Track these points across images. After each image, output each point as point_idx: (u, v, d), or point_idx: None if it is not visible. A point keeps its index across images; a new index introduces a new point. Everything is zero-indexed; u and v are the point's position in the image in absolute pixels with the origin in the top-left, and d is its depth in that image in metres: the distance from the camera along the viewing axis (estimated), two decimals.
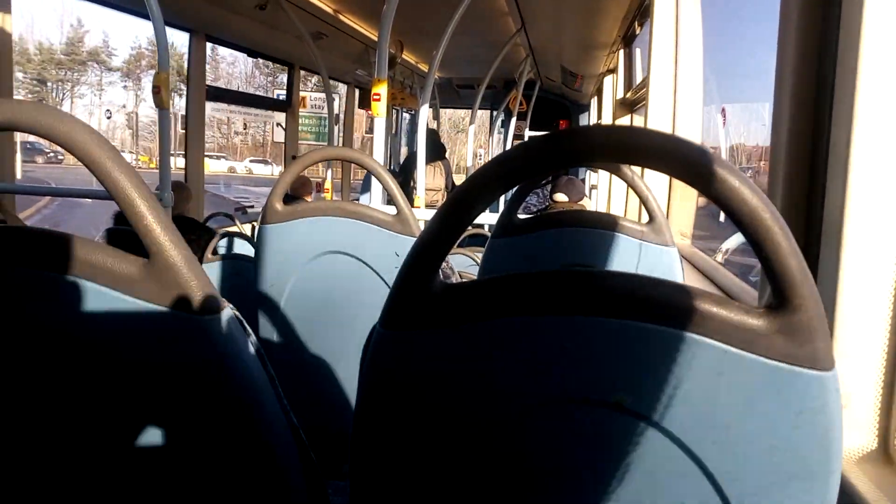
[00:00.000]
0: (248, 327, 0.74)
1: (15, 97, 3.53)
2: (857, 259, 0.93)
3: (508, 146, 8.74)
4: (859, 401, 0.93)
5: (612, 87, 6.06)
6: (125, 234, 2.87)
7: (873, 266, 0.92)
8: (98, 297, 0.69)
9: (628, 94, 5.23)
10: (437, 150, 6.46)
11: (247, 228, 4.57)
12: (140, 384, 0.71)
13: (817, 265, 1.00)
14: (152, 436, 0.73)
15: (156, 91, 3.11)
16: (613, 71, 5.95)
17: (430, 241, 0.63)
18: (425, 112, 4.08)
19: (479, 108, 7.28)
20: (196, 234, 3.54)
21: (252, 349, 0.73)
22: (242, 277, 2.83)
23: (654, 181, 2.97)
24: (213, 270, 2.87)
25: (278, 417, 0.75)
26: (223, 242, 3.18)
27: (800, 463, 0.59)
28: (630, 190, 4.64)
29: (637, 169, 1.74)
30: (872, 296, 0.92)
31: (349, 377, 1.75)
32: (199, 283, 0.69)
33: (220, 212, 4.48)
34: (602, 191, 6.41)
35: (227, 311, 0.71)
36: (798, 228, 1.10)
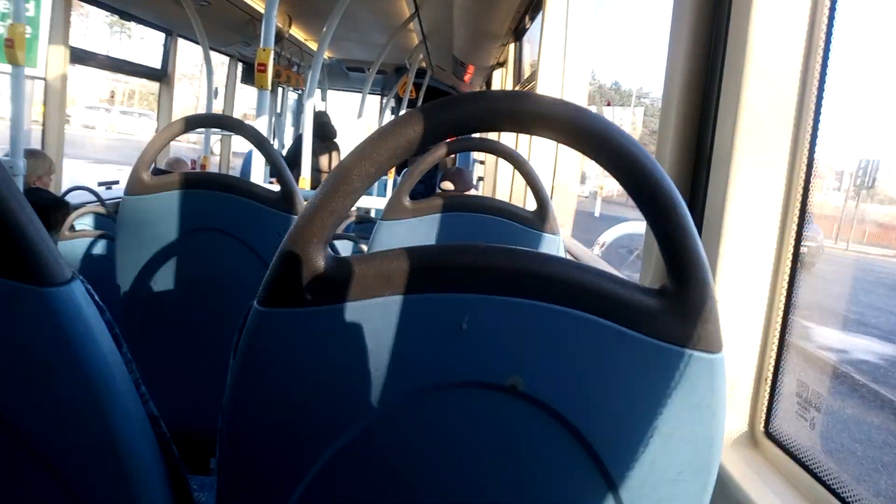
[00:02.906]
0: (100, 302, 0.65)
1: None
2: (736, 252, 0.97)
3: None
4: (735, 388, 0.97)
5: (502, 81, 6.16)
6: None
7: (750, 260, 0.97)
8: None
9: (517, 88, 5.34)
10: (326, 132, 6.29)
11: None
12: None
13: None
14: None
15: (8, 45, 2.78)
16: (503, 65, 6.05)
17: (319, 210, 0.57)
18: (314, 90, 3.94)
19: (370, 94, 7.16)
20: (51, 209, 3.22)
21: (105, 327, 0.64)
22: (104, 258, 2.59)
23: (539, 169, 3.03)
24: (68, 248, 2.61)
25: (134, 404, 0.66)
26: (86, 221, 2.90)
27: (685, 444, 0.59)
28: (515, 182, 4.74)
29: (525, 155, 1.75)
30: (748, 288, 0.96)
31: (220, 365, 1.62)
32: (42, 250, 0.59)
33: (81, 186, 4.11)
34: (488, 182, 6.51)
35: (76, 283, 0.62)
36: None
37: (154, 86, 5.99)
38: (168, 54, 5.86)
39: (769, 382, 0.97)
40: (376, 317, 0.58)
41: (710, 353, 0.58)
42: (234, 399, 0.61)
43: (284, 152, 6.77)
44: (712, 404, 0.59)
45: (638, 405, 0.58)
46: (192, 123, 1.56)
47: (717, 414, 0.59)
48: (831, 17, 1.03)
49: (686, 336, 0.57)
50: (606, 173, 0.57)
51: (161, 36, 5.83)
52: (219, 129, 5.24)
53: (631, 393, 0.58)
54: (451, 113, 0.55)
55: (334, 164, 6.33)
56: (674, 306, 0.57)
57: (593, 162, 0.57)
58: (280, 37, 6.18)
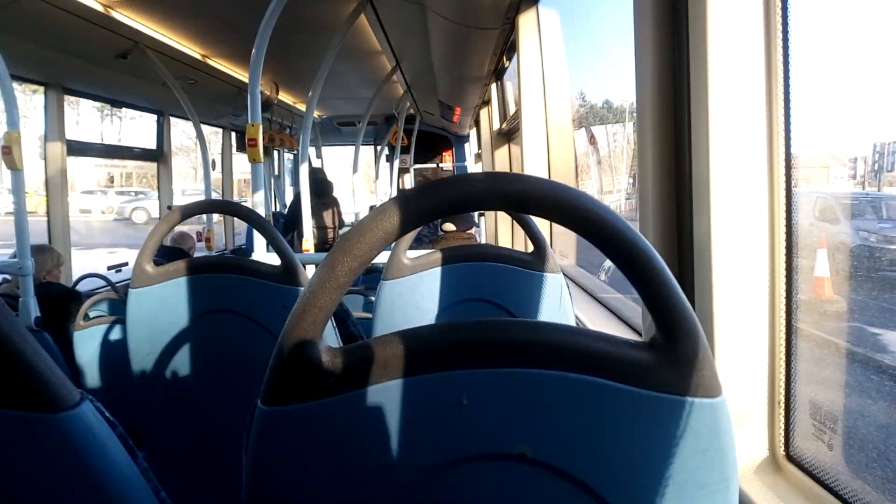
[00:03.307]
0: (110, 417, 0.67)
1: None
2: (730, 278, 0.98)
3: (394, 180, 8.78)
4: (750, 417, 0.97)
5: (489, 118, 6.25)
6: None
7: (745, 285, 0.97)
8: None
9: (503, 125, 5.41)
10: (323, 189, 6.37)
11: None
12: None
13: (693, 293, 1.04)
14: None
15: (6, 152, 2.86)
16: (488, 103, 6.14)
17: (309, 307, 0.59)
18: (306, 152, 4.01)
19: (363, 145, 7.27)
20: (63, 301, 3.26)
21: (118, 442, 0.66)
22: (121, 343, 2.62)
23: None
24: (84, 337, 2.64)
25: None
26: (103, 306, 2.94)
27: (701, 489, 0.60)
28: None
29: None
30: (747, 311, 0.97)
31: (241, 446, 1.62)
32: (48, 377, 0.61)
33: (93, 273, 4.16)
34: (489, 218, 6.55)
35: (85, 405, 0.63)
36: (671, 258, 1.15)
37: (150, 165, 6.11)
38: (162, 134, 5.99)
39: (783, 405, 0.97)
40: (378, 403, 0.59)
41: (710, 398, 0.58)
42: (249, 497, 0.62)
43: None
44: (721, 447, 0.59)
45: (648, 457, 0.59)
46: (189, 211, 1.60)
47: (728, 455, 0.60)
48: (785, 18, 1.06)
49: (683, 385, 0.58)
50: (612, 197, 0.59)
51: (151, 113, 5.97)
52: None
53: (639, 446, 0.59)
54: (427, 201, 0.57)
55: (335, 219, 6.40)
56: (666, 358, 0.58)
57: (595, 185, 0.59)
58: (269, 104, 6.31)
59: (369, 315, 2.50)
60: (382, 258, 3.20)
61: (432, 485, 0.61)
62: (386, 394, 0.59)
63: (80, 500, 0.62)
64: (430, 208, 0.57)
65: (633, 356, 0.59)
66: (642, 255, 0.57)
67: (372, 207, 5.50)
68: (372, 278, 3.90)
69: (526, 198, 0.57)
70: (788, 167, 1.07)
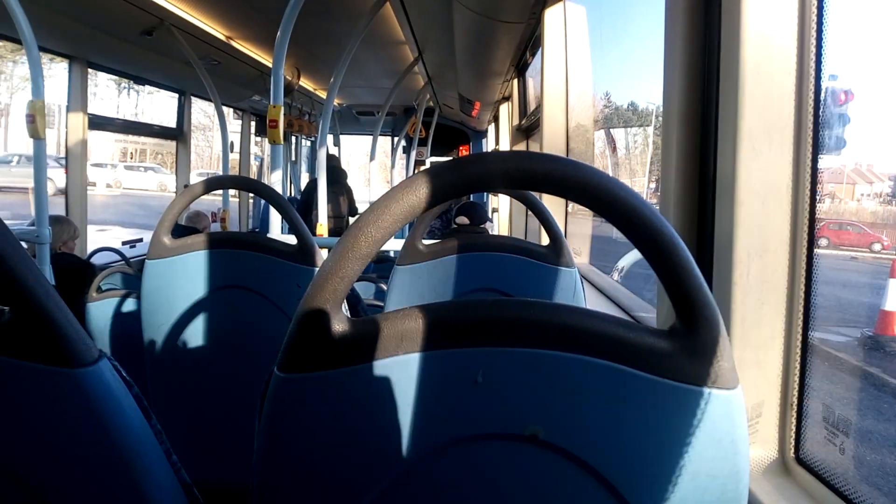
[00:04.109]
0: (127, 377, 0.67)
1: None
2: (749, 276, 0.97)
3: (410, 171, 8.78)
4: (761, 415, 0.96)
5: (509, 114, 6.23)
6: None
7: (765, 284, 0.97)
8: None
9: (523, 122, 5.40)
10: (337, 177, 6.38)
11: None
12: (6, 447, 0.62)
13: (711, 285, 1.03)
14: None
15: (30, 120, 2.88)
16: (509, 98, 6.12)
17: (330, 276, 0.59)
18: (325, 138, 4.02)
19: (381, 135, 7.28)
20: (78, 272, 3.29)
21: (133, 402, 0.66)
22: (133, 316, 2.64)
23: (552, 202, 3.05)
24: (98, 310, 2.66)
25: (167, 476, 0.68)
26: (116, 279, 2.96)
27: (712, 480, 0.59)
28: (530, 213, 4.76)
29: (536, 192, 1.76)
30: (765, 311, 0.96)
31: (249, 420, 1.63)
32: (69, 332, 0.62)
33: (107, 247, 4.20)
34: (503, 214, 6.54)
35: (103, 362, 0.64)
36: (691, 250, 1.14)
37: (164, 142, 6.14)
38: (182, 113, 6.02)
39: (795, 408, 0.97)
40: (392, 376, 0.59)
41: (727, 389, 0.58)
42: (261, 462, 0.62)
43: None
44: (735, 439, 0.59)
45: (661, 446, 0.59)
46: (211, 185, 1.61)
47: (741, 448, 0.59)
48: (820, 20, 1.05)
49: (701, 375, 0.57)
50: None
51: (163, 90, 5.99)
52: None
53: (652, 434, 0.59)
54: (453, 176, 0.57)
55: (347, 206, 6.41)
56: (685, 347, 0.57)
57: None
58: (290, 89, 6.33)
59: (380, 303, 2.51)
60: (395, 246, 3.21)
61: (442, 460, 0.61)
62: (401, 367, 0.59)
63: (95, 454, 0.63)
64: (457, 183, 0.57)
65: (651, 343, 0.58)
66: (667, 241, 0.56)
67: None
68: (382, 268, 3.91)
69: (553, 178, 0.57)
70: (815, 171, 1.06)
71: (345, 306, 0.62)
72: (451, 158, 0.60)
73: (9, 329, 0.61)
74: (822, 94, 1.08)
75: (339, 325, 0.59)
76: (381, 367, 0.59)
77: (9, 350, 0.61)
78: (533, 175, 0.57)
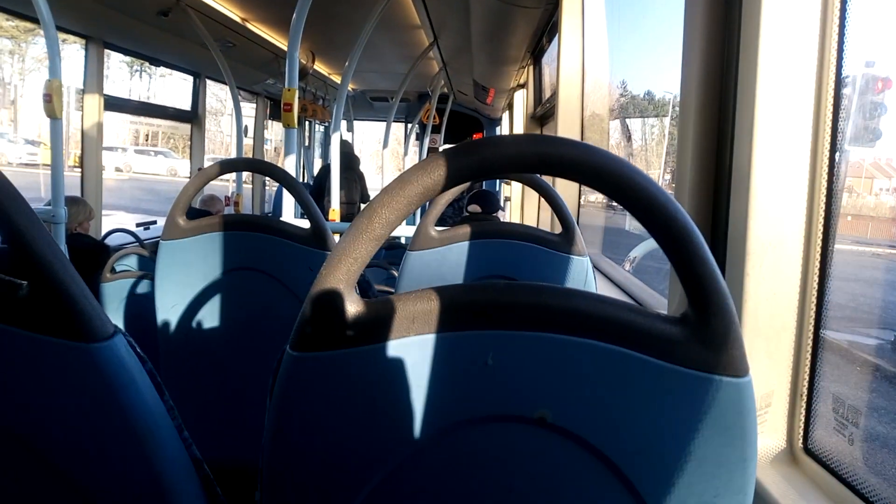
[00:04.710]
0: (141, 353, 0.68)
1: None
2: (763, 268, 0.97)
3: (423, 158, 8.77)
4: (770, 405, 0.96)
5: (524, 102, 6.20)
6: None
7: (778, 275, 0.96)
8: None
9: (538, 109, 5.37)
10: (349, 163, 6.39)
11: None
12: (19, 420, 0.64)
13: (724, 274, 1.03)
14: (34, 478, 0.66)
15: (47, 100, 2.91)
16: (524, 86, 6.09)
17: (344, 256, 0.59)
18: (339, 123, 4.02)
19: (394, 121, 7.27)
20: (92, 253, 3.33)
21: (147, 378, 0.67)
22: (145, 297, 2.67)
23: (564, 191, 3.04)
24: (111, 291, 2.69)
25: (178, 451, 0.69)
26: (130, 261, 2.99)
27: (719, 468, 0.59)
28: (542, 201, 4.75)
29: (549, 179, 1.76)
30: (778, 302, 0.96)
31: (260, 400, 1.65)
32: (86, 307, 0.63)
33: (121, 228, 4.24)
34: (515, 202, 6.53)
35: (118, 338, 0.65)
36: (705, 239, 1.14)
37: (176, 125, 6.16)
38: (197, 96, 6.04)
39: (805, 398, 0.96)
40: (403, 357, 0.60)
41: (736, 377, 0.58)
42: (272, 440, 0.63)
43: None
44: (744, 427, 0.59)
45: (669, 432, 0.59)
46: (225, 167, 1.62)
47: (749, 436, 0.60)
48: (843, 9, 1.04)
49: (711, 363, 0.57)
50: None
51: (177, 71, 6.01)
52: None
53: (661, 420, 0.59)
54: (468, 159, 0.57)
55: (359, 192, 6.42)
56: (696, 334, 0.57)
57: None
58: (304, 73, 6.32)
59: (391, 289, 2.52)
60: (405, 232, 3.22)
61: (450, 442, 0.61)
62: (412, 348, 0.60)
63: (109, 427, 0.64)
64: (471, 166, 0.57)
65: (662, 329, 0.58)
66: (682, 228, 0.56)
67: None
68: (393, 254, 3.92)
69: (567, 162, 0.56)
70: (832, 163, 1.05)
71: (356, 289, 0.63)
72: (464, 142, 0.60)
73: (27, 303, 0.62)
74: (855, 83, 1.07)
75: (352, 305, 0.60)
76: (392, 347, 0.60)
77: (26, 323, 0.63)
78: (548, 158, 0.57)
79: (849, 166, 1.13)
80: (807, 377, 0.98)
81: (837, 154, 1.06)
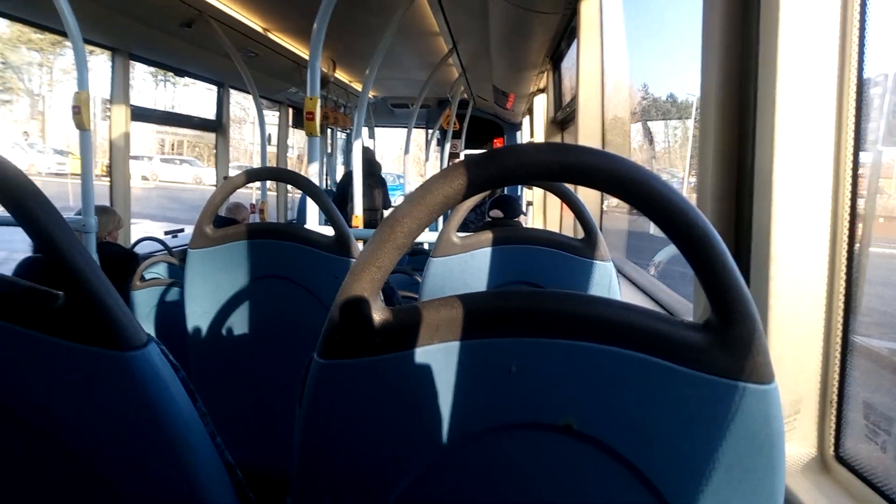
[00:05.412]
0: (174, 361, 0.70)
1: None
2: (787, 272, 0.96)
3: (444, 164, 8.80)
4: (799, 412, 0.95)
5: (544, 107, 6.19)
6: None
7: (803, 279, 0.95)
8: (8, 336, 0.64)
9: (558, 114, 5.36)
10: (371, 169, 6.43)
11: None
12: (58, 427, 0.65)
13: (749, 279, 1.02)
14: (73, 483, 0.67)
15: (76, 111, 2.97)
16: (543, 90, 6.08)
17: (367, 265, 0.60)
18: (360, 130, 4.05)
19: (415, 127, 7.31)
20: (122, 261, 3.39)
21: (180, 385, 0.69)
22: (175, 304, 2.71)
23: (586, 196, 3.03)
24: (141, 298, 2.74)
25: (211, 456, 0.71)
26: (159, 269, 3.04)
27: (747, 475, 0.59)
28: (564, 206, 4.73)
29: (571, 184, 1.76)
30: (804, 308, 0.95)
31: (289, 406, 1.67)
32: (120, 317, 0.65)
33: (150, 237, 4.31)
34: (537, 206, 6.51)
35: (152, 346, 0.67)
36: (728, 244, 1.13)
37: (201, 134, 6.25)
38: (221, 105, 6.13)
39: (835, 405, 0.95)
40: (429, 364, 0.61)
41: (762, 384, 0.58)
42: (302, 446, 0.64)
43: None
44: (770, 434, 0.59)
45: (695, 439, 0.59)
46: (251, 177, 1.65)
47: (776, 443, 0.59)
48: (863, 9, 1.02)
49: (736, 370, 0.57)
50: None
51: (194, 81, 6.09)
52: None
53: (687, 427, 0.59)
54: (489, 168, 0.58)
55: (380, 199, 6.45)
56: (720, 341, 0.57)
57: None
58: (326, 81, 6.39)
59: (414, 295, 2.53)
60: (429, 238, 3.23)
61: (476, 449, 0.62)
62: (437, 356, 0.61)
63: (144, 434, 0.66)
64: (492, 175, 0.58)
65: (687, 337, 0.58)
66: (703, 235, 0.56)
67: None
68: (416, 260, 3.93)
69: (588, 170, 0.57)
70: (856, 165, 1.04)
71: (380, 297, 0.64)
72: (485, 151, 0.61)
73: (63, 313, 0.64)
74: (886, 81, 1.06)
75: (377, 313, 0.61)
76: (418, 355, 0.61)
77: (63, 333, 0.65)
78: (568, 167, 0.57)
79: (881, 167, 1.12)
80: (836, 384, 0.97)
81: (860, 153, 1.05)
